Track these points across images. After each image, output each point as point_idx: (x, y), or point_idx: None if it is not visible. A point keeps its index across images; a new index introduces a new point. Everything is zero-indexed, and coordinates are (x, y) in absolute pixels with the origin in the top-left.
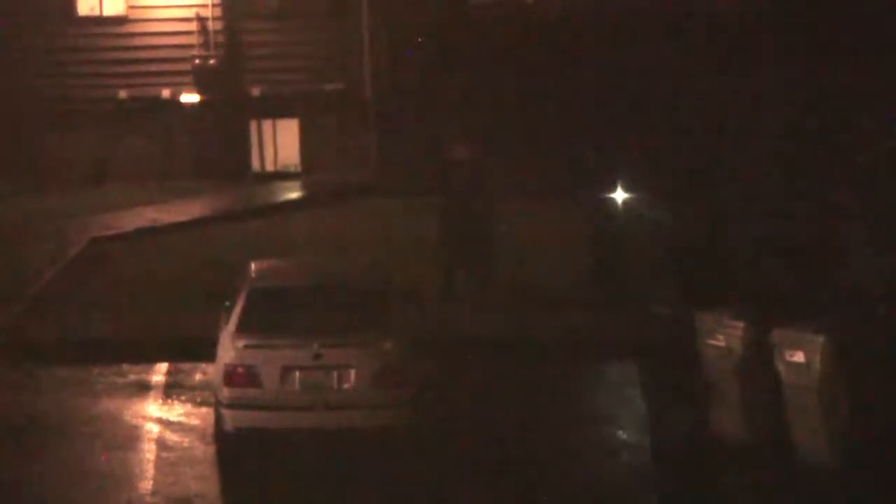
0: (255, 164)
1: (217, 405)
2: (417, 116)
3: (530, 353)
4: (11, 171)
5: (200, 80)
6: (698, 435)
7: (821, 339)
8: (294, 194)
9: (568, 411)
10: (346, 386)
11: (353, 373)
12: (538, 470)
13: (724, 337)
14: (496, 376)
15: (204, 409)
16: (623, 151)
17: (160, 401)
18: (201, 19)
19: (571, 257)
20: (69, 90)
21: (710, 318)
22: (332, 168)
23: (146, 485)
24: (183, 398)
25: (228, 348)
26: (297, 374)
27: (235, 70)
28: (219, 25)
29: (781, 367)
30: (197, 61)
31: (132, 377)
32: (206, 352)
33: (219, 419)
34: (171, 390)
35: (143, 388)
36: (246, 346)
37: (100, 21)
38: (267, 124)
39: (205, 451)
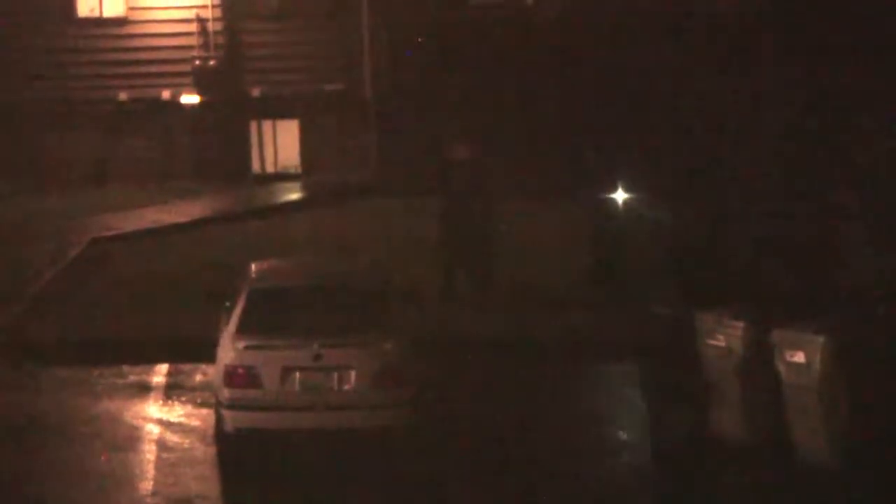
0: (255, 164)
1: (217, 406)
2: (417, 116)
3: (530, 353)
4: (11, 172)
5: (200, 80)
6: (698, 435)
7: (821, 339)
8: (294, 195)
9: (568, 411)
10: (346, 386)
11: (353, 373)
12: (538, 470)
13: (724, 337)
14: (496, 376)
15: (204, 410)
16: (623, 151)
17: (160, 401)
18: (201, 20)
19: (571, 257)
20: (69, 91)
21: (710, 318)
22: (332, 168)
23: (146, 485)
24: (183, 399)
25: (229, 349)
26: (298, 374)
27: (235, 71)
28: (219, 26)
29: (781, 368)
30: (197, 62)
31: (132, 378)
32: (206, 353)
33: (219, 420)
34: (172, 391)
35: (144, 389)
36: (246, 347)
37: (100, 22)
38: (267, 125)
39: (205, 451)
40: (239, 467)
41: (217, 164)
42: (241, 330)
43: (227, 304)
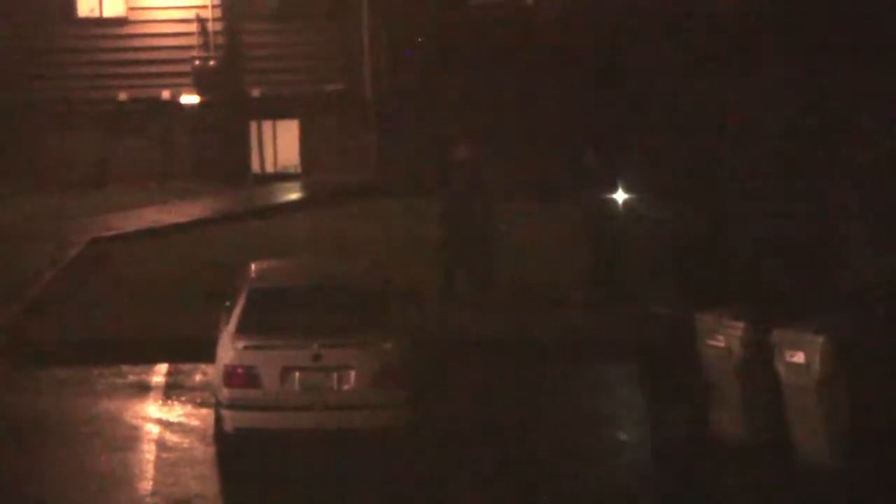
0: (255, 164)
1: (217, 406)
2: (417, 117)
3: (530, 353)
4: (11, 172)
5: (200, 81)
6: (698, 435)
7: (821, 339)
8: (294, 195)
9: (568, 411)
10: (345, 386)
11: (352, 373)
12: (538, 470)
13: (724, 337)
14: (496, 376)
15: (204, 410)
16: (623, 151)
17: (160, 401)
18: (201, 20)
19: (571, 257)
20: (69, 91)
21: (710, 318)
22: (332, 168)
23: (146, 485)
24: (183, 399)
25: (228, 349)
26: (297, 374)
27: (235, 71)
28: (219, 26)
29: (781, 368)
30: (197, 62)
31: (132, 378)
32: (206, 352)
33: (219, 420)
34: (171, 391)
35: (143, 389)
36: (246, 347)
37: (100, 22)
38: (267, 125)
39: (205, 451)
40: (238, 467)
41: (217, 164)
42: (241, 330)
43: (227, 303)
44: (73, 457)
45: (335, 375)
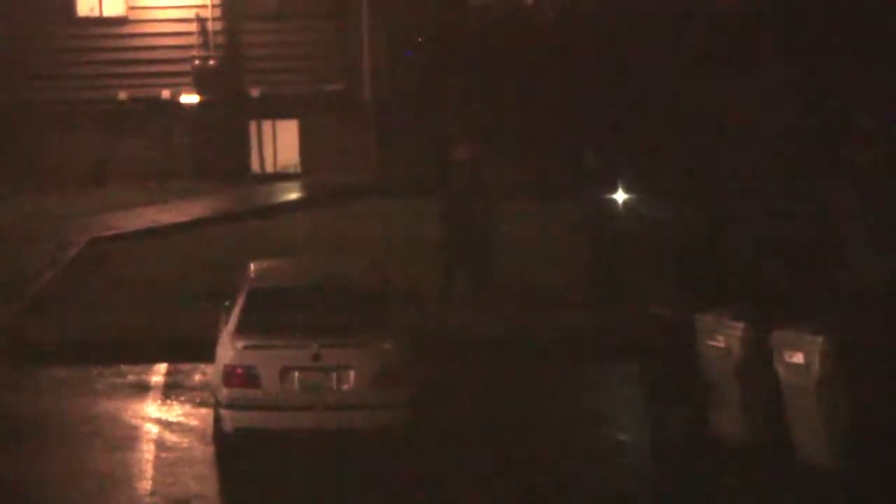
0: (255, 164)
1: (216, 405)
2: (417, 117)
3: (530, 353)
4: (11, 171)
5: (200, 80)
6: (698, 435)
7: (820, 339)
8: (294, 195)
9: (568, 411)
10: (345, 386)
11: (352, 373)
12: (538, 470)
13: (723, 338)
14: (496, 376)
15: (203, 410)
16: (623, 151)
17: (159, 401)
18: (201, 20)
19: (571, 257)
20: (69, 91)
21: (710, 318)
22: (331, 169)
23: (145, 485)
24: (182, 398)
25: (228, 349)
26: (297, 374)
27: (235, 71)
28: (218, 26)
29: (781, 368)
30: (196, 62)
31: (131, 377)
32: (205, 352)
33: (218, 419)
34: (171, 391)
35: (143, 389)
36: (245, 347)
37: (99, 22)
38: (266, 125)
39: (204, 451)
40: (237, 467)
41: (217, 163)
42: (241, 329)
43: (227, 303)
44: (73, 456)
45: (334, 375)
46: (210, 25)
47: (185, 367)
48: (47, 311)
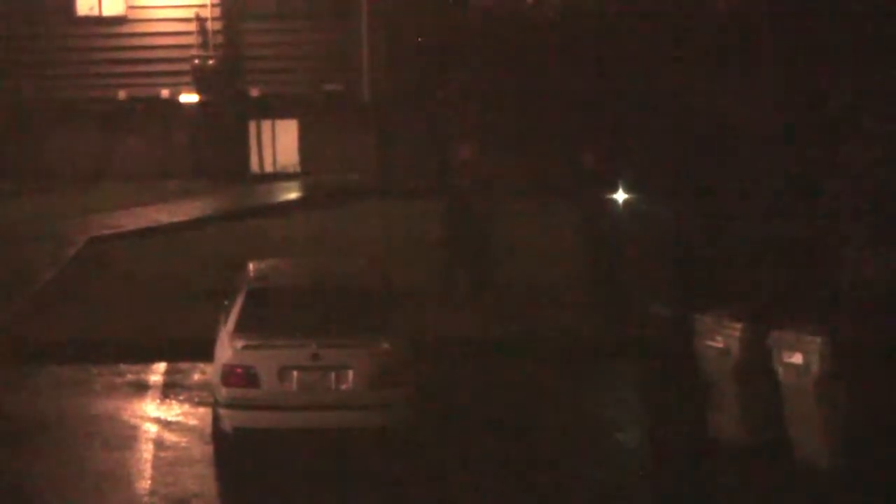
0: (254, 164)
1: (215, 405)
2: (417, 117)
3: (530, 353)
4: (11, 171)
5: (199, 80)
6: (698, 435)
7: (818, 340)
8: (293, 195)
9: (567, 411)
10: (344, 386)
11: (351, 373)
12: (538, 470)
13: (722, 338)
14: (496, 376)
15: (202, 409)
16: (623, 151)
17: (158, 401)
18: (200, 19)
19: (571, 257)
20: (69, 90)
21: (709, 318)
22: (331, 169)
23: (144, 484)
24: (181, 398)
25: (227, 348)
26: (296, 374)
27: (234, 70)
28: (218, 26)
29: (780, 368)
30: (196, 61)
31: (130, 377)
32: (204, 352)
33: (217, 419)
34: (170, 390)
35: (142, 388)
36: (244, 347)
37: (99, 21)
38: (266, 125)
39: (203, 451)
40: (236, 466)
41: (216, 163)
42: (240, 329)
43: (226, 303)
44: (72, 456)
45: (333, 375)
46: (209, 25)
47: (185, 366)
48: (47, 311)
